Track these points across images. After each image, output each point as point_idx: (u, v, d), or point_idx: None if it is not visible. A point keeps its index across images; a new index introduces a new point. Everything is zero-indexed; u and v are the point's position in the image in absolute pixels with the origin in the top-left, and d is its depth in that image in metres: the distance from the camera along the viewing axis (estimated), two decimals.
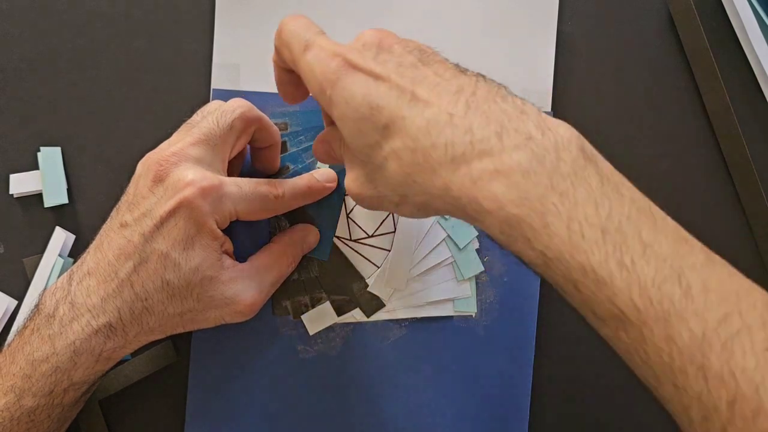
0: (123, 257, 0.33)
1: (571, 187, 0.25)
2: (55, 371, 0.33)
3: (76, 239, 0.41)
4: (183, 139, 0.35)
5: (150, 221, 0.33)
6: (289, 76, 0.34)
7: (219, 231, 0.35)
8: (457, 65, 0.30)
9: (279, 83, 0.35)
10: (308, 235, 0.41)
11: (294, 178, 0.39)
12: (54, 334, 0.33)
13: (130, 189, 0.35)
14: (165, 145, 0.35)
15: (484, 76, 0.29)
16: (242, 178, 0.36)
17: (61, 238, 0.40)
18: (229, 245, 0.36)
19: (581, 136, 0.27)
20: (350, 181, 0.32)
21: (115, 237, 0.34)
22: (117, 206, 0.35)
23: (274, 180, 0.38)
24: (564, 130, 0.27)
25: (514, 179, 0.25)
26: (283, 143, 0.42)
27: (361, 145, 0.29)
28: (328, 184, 0.40)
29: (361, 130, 0.29)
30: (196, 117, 0.36)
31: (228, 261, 0.36)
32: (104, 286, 0.33)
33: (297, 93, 0.35)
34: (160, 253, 0.33)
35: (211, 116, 0.36)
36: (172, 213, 0.33)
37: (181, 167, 0.34)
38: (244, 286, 0.36)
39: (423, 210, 0.30)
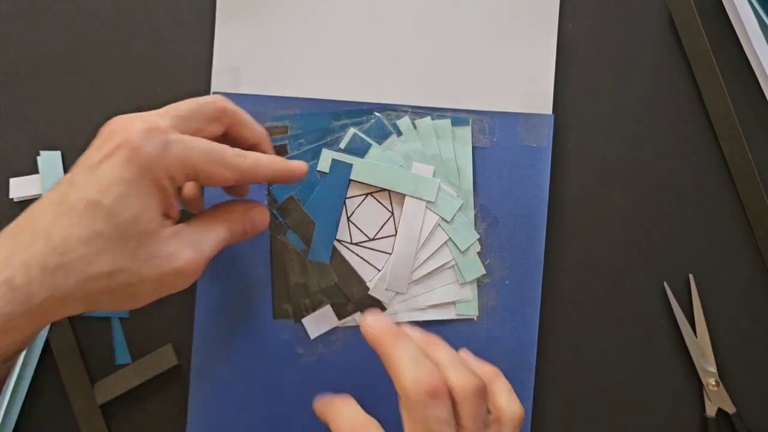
0: (47, 209, 0.30)
1: None
2: None
3: None
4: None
5: (85, 169, 0.30)
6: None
7: (165, 183, 0.31)
8: None
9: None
10: (253, 208, 0.37)
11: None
12: None
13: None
14: None
15: None
16: None
17: None
18: (175, 213, 0.33)
19: None
20: None
21: (47, 194, 0.31)
22: None
23: None
24: None
25: None
26: (283, 146, 0.42)
27: None
28: (296, 169, 0.36)
29: None
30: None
31: (168, 221, 0.32)
32: (14, 241, 0.29)
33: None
34: (89, 201, 0.29)
35: (180, 102, 0.34)
36: (109, 155, 0.29)
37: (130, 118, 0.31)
38: (183, 244, 0.32)
39: None
